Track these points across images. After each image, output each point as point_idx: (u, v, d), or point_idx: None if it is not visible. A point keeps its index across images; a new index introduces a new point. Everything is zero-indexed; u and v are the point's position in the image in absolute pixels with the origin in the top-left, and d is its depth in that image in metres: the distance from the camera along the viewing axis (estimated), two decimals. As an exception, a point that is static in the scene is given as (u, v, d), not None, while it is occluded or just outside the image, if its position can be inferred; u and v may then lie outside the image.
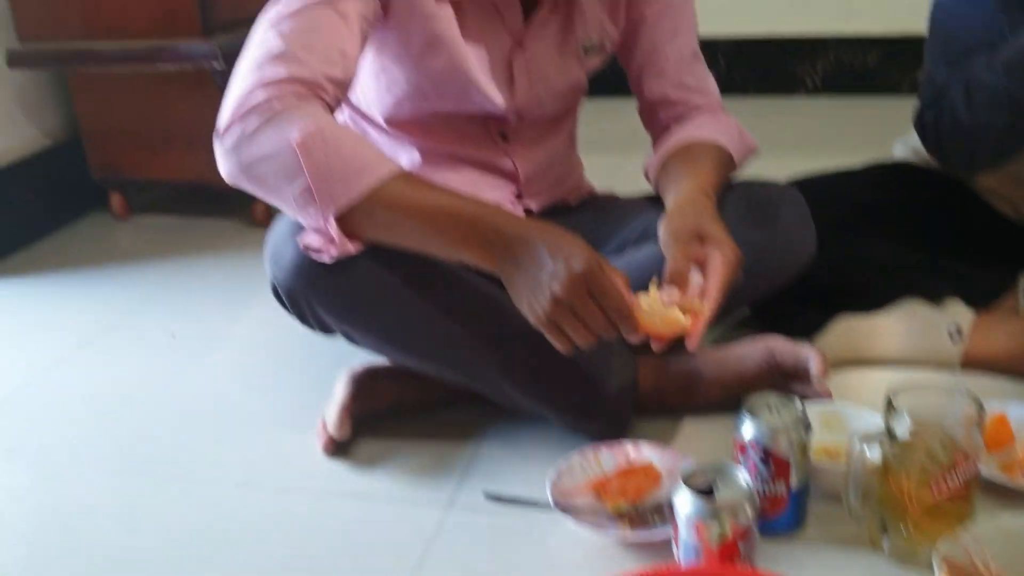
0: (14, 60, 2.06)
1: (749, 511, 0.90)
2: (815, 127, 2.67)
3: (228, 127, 1.03)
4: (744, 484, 0.92)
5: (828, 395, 1.23)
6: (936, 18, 1.34)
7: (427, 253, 1.06)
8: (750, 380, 1.23)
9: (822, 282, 1.37)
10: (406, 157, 1.29)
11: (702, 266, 1.05)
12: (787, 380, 1.24)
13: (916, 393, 0.99)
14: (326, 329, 1.22)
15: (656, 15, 1.29)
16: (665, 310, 1.00)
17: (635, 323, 0.98)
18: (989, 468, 1.10)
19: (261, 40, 1.06)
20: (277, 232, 1.17)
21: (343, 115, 1.31)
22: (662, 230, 1.11)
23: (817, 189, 1.39)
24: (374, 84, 1.22)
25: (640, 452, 1.16)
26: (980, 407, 0.96)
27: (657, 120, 1.35)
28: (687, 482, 0.92)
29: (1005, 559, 0.87)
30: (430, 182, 1.05)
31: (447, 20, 1.16)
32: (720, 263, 1.03)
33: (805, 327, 1.36)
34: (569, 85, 1.29)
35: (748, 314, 1.46)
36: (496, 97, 1.22)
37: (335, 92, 1.07)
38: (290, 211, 1.07)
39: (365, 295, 1.14)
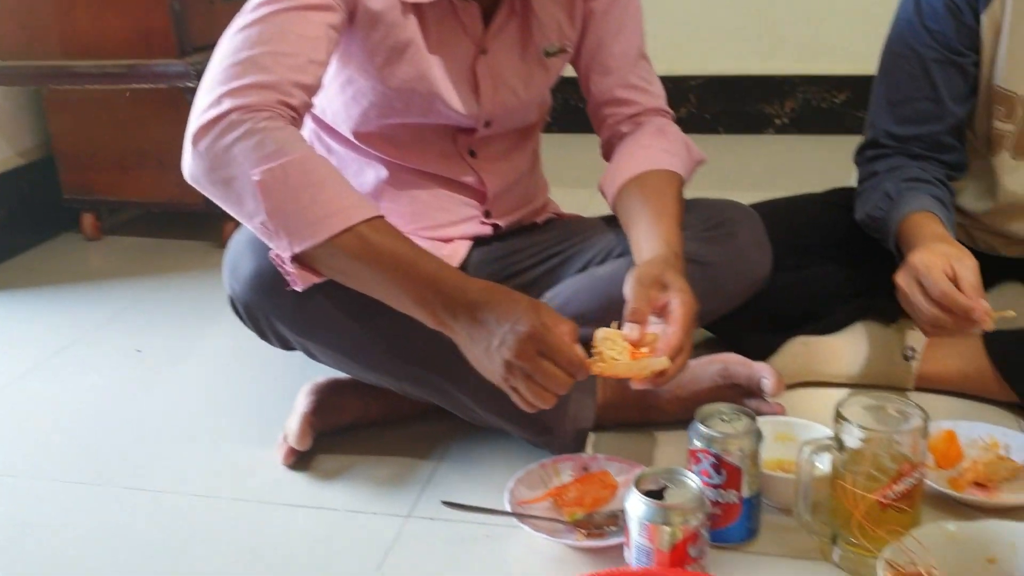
0: (-10, 78, 2.08)
1: (699, 514, 0.92)
2: (783, 164, 2.72)
3: (195, 136, 1.04)
4: (694, 488, 0.93)
5: (781, 411, 1.25)
6: (883, 61, 1.43)
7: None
8: (705, 396, 1.25)
9: (779, 307, 1.40)
10: (373, 174, 1.30)
11: (662, 313, 1.07)
12: (742, 396, 1.26)
13: (865, 404, 1.02)
14: (285, 344, 1.23)
15: (603, 11, 1.31)
16: (628, 355, 1.02)
17: (586, 373, 1.00)
18: (938, 483, 1.12)
19: (228, 45, 1.08)
20: (235, 244, 1.18)
21: (307, 130, 1.33)
22: (628, 278, 1.12)
23: (776, 211, 1.43)
24: (340, 96, 1.24)
25: (598, 463, 1.18)
26: (926, 417, 0.98)
27: (604, 120, 1.37)
28: (639, 486, 0.94)
29: (948, 564, 0.89)
30: (393, 232, 1.05)
31: (412, 29, 1.18)
32: (679, 306, 1.05)
33: (761, 349, 1.39)
34: (534, 91, 1.32)
35: (707, 336, 1.48)
36: (461, 104, 1.24)
37: (302, 98, 1.08)
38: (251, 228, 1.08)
39: (324, 311, 1.14)
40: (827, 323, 1.42)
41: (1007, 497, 1.10)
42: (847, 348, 1.39)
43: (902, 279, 1.20)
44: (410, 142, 1.28)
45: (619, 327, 1.05)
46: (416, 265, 1.03)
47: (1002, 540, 0.93)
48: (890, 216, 1.31)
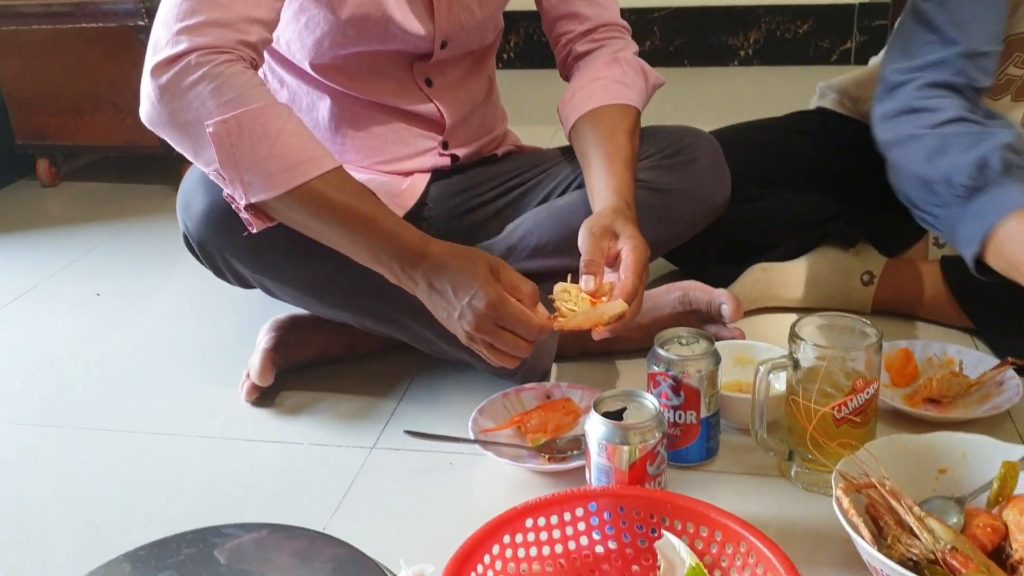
0: (-67, 21, 2.02)
1: (657, 433, 0.93)
2: (748, 95, 2.71)
3: (153, 71, 1.00)
4: (652, 408, 0.94)
5: (741, 335, 1.26)
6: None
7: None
8: (666, 323, 1.27)
9: (740, 237, 1.41)
10: (327, 108, 1.28)
11: (615, 261, 1.08)
12: (702, 322, 1.27)
13: (819, 323, 1.03)
14: (243, 282, 1.22)
15: None
16: (588, 306, 1.03)
17: (547, 334, 1.02)
18: (894, 400, 1.15)
19: None
20: (188, 181, 1.16)
21: (263, 67, 1.30)
22: (580, 231, 1.11)
23: (735, 137, 1.42)
24: (293, 25, 1.21)
25: (560, 391, 1.19)
26: (879, 334, 0.99)
27: (559, 39, 1.35)
28: (598, 408, 0.95)
29: (900, 475, 0.90)
30: (350, 185, 1.04)
31: None
32: (630, 252, 1.06)
33: (723, 279, 1.40)
34: (488, 8, 1.28)
35: (671, 269, 1.49)
36: (417, 24, 1.20)
37: (260, 34, 1.05)
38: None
39: (279, 246, 1.13)
40: (787, 249, 1.43)
41: (960, 413, 1.12)
42: (806, 273, 1.40)
43: None
44: (366, 73, 1.26)
45: (575, 280, 1.06)
46: (374, 221, 1.02)
47: (953, 451, 0.95)
48: (991, 200, 1.04)
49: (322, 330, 1.32)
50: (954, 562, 0.80)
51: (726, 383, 1.15)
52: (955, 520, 0.89)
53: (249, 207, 1.02)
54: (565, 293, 1.03)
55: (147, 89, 1.02)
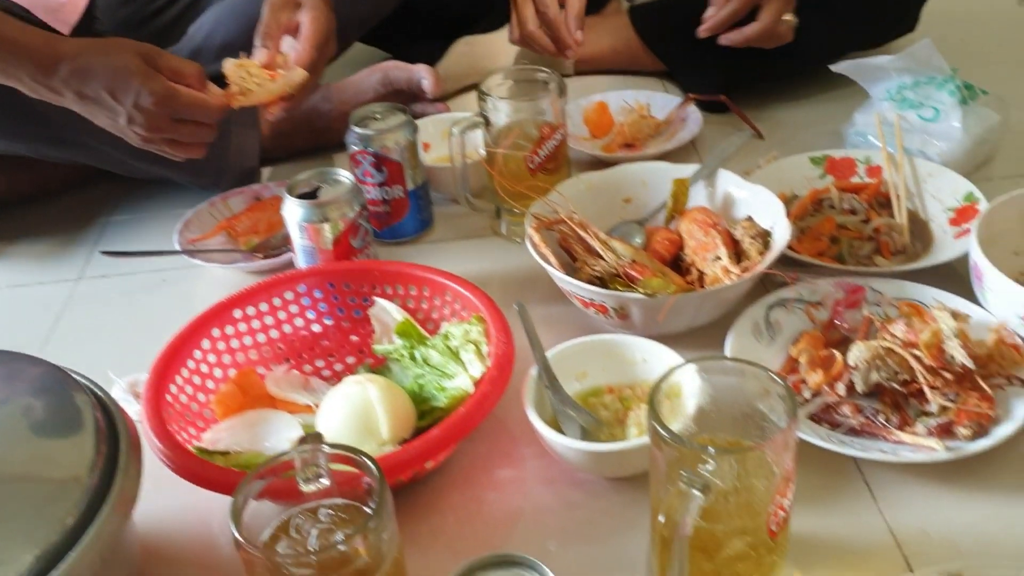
0: None
1: (355, 205, 0.93)
2: None
3: None
4: (347, 181, 0.94)
5: (446, 109, 1.27)
6: None
7: None
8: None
9: (440, 11, 1.39)
10: None
11: (296, 32, 1.03)
12: (407, 101, 1.26)
13: (506, 80, 1.05)
14: None
15: None
16: (267, 79, 0.99)
17: (226, 111, 0.97)
18: (593, 150, 1.20)
19: None
20: None
21: None
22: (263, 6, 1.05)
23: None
24: None
25: (270, 191, 1.16)
26: (560, 82, 1.02)
27: None
28: (291, 192, 0.93)
29: (589, 209, 0.96)
30: None
31: None
32: (310, 22, 1.01)
33: (430, 56, 1.38)
34: None
35: (380, 55, 1.46)
36: None
37: None
38: None
39: None
40: (489, 21, 1.43)
41: (651, 150, 1.19)
42: (509, 43, 1.41)
43: None
44: None
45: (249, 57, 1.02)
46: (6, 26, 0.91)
47: (634, 180, 1.01)
48: None
49: (4, 169, 1.21)
50: (633, 272, 0.87)
51: (437, 158, 1.17)
52: (638, 240, 0.96)
53: None
54: (240, 69, 0.97)
55: None
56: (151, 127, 0.93)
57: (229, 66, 0.97)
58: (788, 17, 1.17)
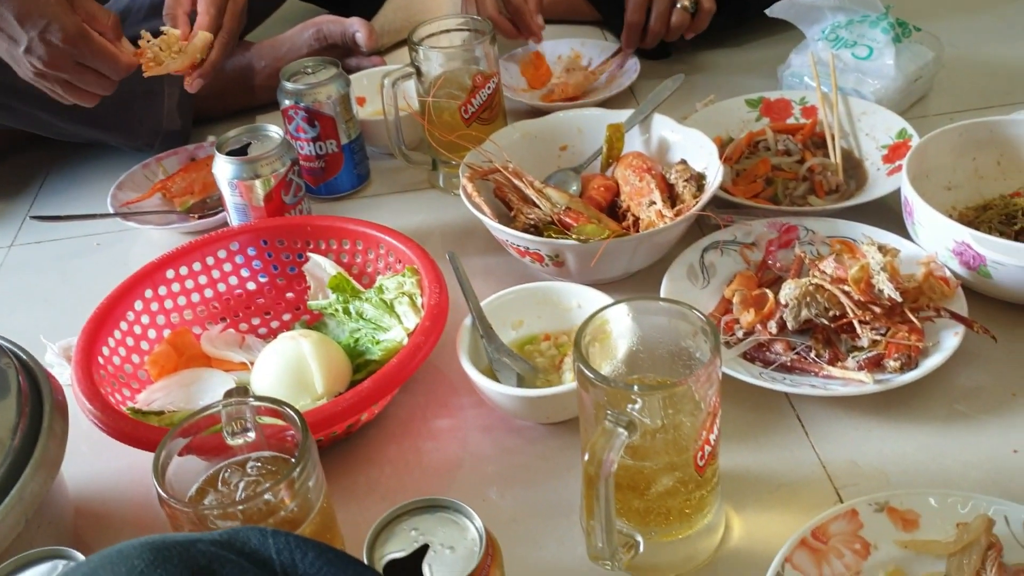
0: None
1: (286, 160, 0.91)
2: None
3: None
4: (277, 136, 0.92)
5: (381, 62, 1.25)
6: None
7: None
8: (306, 61, 1.23)
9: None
10: None
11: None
12: (343, 56, 1.24)
13: (436, 30, 1.03)
14: None
15: None
16: (179, 46, 0.98)
17: (131, 71, 0.94)
18: (532, 101, 1.19)
19: None
20: None
21: None
22: None
23: None
24: None
25: (205, 150, 1.14)
26: (491, 28, 1.01)
27: None
28: (220, 149, 0.91)
29: (525, 158, 0.95)
30: None
31: None
32: None
33: (367, 10, 1.36)
34: None
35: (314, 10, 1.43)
36: None
37: None
38: None
39: None
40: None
41: (590, 99, 1.18)
42: (446, -4, 1.39)
43: None
44: None
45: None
46: None
47: (570, 128, 1.01)
48: None
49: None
50: (567, 219, 0.86)
51: (372, 111, 1.15)
52: (574, 187, 0.96)
53: None
54: (153, 43, 0.96)
55: None
56: (51, 63, 0.89)
57: (144, 41, 0.95)
58: (684, 4, 1.17)
